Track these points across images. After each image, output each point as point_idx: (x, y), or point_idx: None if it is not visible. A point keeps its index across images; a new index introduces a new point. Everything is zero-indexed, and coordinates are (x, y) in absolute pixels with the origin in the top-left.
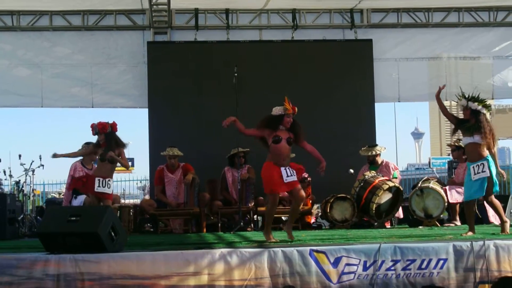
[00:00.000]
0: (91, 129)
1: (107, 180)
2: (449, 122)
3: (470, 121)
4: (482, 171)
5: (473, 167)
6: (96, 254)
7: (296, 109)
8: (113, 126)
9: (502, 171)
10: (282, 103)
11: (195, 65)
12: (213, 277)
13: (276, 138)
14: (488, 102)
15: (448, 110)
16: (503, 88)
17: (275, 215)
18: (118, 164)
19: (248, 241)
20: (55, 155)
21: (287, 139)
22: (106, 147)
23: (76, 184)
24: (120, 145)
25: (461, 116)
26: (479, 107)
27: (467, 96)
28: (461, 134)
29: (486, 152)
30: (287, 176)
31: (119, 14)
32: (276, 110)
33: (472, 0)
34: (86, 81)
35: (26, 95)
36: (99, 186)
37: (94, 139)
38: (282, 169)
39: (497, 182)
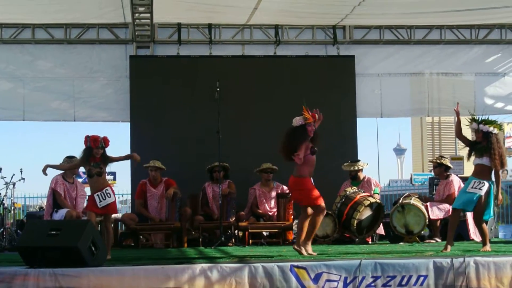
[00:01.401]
0: (92, 140)
1: (105, 190)
2: (431, 138)
3: (482, 143)
4: (479, 189)
5: (474, 181)
6: (76, 269)
7: (317, 115)
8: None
9: (501, 198)
10: (300, 113)
11: (177, 80)
12: None
13: (313, 149)
14: (499, 121)
15: (432, 126)
16: (484, 105)
17: (256, 231)
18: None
19: (229, 256)
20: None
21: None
22: (95, 163)
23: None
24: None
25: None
26: (490, 129)
27: (477, 119)
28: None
29: (491, 177)
30: None
31: (102, 27)
32: (297, 121)
33: (454, 19)
34: (68, 95)
35: (8, 108)
36: (100, 201)
37: (74, 152)
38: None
39: (492, 208)
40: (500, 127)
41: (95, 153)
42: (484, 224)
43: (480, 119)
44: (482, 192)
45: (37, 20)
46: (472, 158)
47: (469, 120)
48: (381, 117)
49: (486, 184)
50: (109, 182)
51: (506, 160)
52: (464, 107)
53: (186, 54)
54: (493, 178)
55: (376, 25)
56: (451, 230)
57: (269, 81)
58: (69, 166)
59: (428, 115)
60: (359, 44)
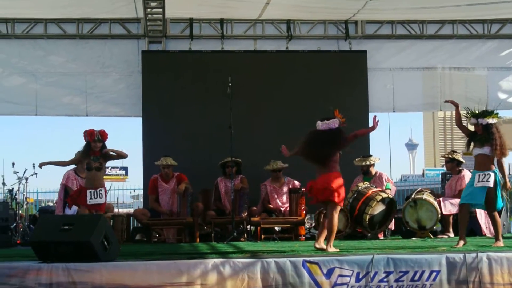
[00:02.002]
0: (88, 135)
1: (98, 190)
2: (443, 133)
3: (483, 134)
4: (487, 181)
5: (479, 175)
6: (88, 263)
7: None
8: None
9: (509, 184)
10: (333, 115)
11: (189, 75)
12: (206, 287)
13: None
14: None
15: (444, 121)
16: (497, 99)
17: (269, 226)
18: (109, 172)
19: (241, 251)
20: (41, 165)
21: None
22: (95, 156)
23: (70, 201)
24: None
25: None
26: (489, 120)
27: (476, 113)
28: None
29: (494, 166)
30: None
31: (114, 22)
32: (335, 123)
33: (466, 13)
34: (81, 90)
35: (20, 103)
36: (91, 198)
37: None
38: None
39: (502, 198)
40: (497, 116)
41: (93, 147)
42: (497, 216)
43: (477, 113)
44: (491, 184)
45: (49, 15)
46: (471, 148)
47: (467, 116)
48: (393, 111)
49: (492, 175)
50: (121, 177)
51: (507, 149)
52: (477, 101)
53: (198, 49)
54: (495, 167)
55: (388, 20)
56: (462, 227)
57: (281, 76)
58: (68, 162)
59: (440, 110)
60: (371, 39)
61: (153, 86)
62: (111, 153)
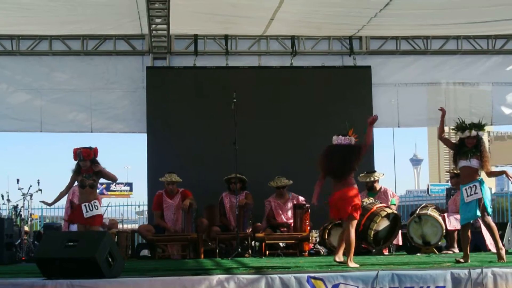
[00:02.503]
0: (73, 154)
1: (93, 202)
2: (447, 149)
3: (471, 147)
4: (475, 193)
5: (465, 189)
6: (93, 280)
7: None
8: (96, 152)
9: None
10: (345, 133)
11: (194, 91)
12: None
13: None
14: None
15: (449, 136)
16: (502, 114)
17: (273, 242)
18: (114, 188)
19: (245, 267)
20: (50, 204)
21: None
22: (87, 174)
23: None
24: (98, 164)
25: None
26: (480, 133)
27: (466, 125)
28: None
29: (478, 175)
30: None
31: (119, 39)
32: (351, 141)
33: (470, 30)
34: (85, 106)
35: (25, 119)
36: (87, 211)
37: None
38: None
39: (489, 206)
40: (484, 128)
41: (82, 165)
42: (492, 222)
43: (469, 125)
44: (480, 195)
45: (54, 32)
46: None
47: (458, 128)
48: (398, 127)
49: (478, 184)
50: (126, 193)
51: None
52: (481, 116)
53: (202, 65)
54: (479, 176)
55: (393, 36)
56: (465, 247)
57: (286, 92)
58: (66, 189)
59: (445, 125)
60: (376, 55)
61: (157, 102)
62: (103, 172)
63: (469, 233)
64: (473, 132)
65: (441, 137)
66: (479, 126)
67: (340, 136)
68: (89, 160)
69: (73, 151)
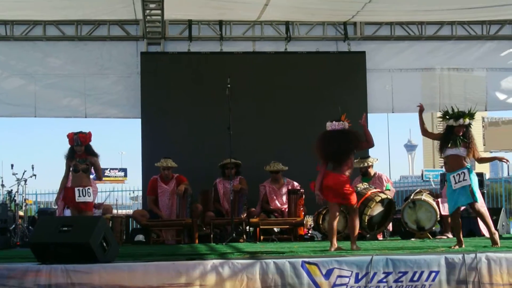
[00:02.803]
0: (68, 138)
1: (86, 189)
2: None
3: (457, 135)
4: (464, 179)
5: (453, 176)
6: (87, 265)
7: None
8: (90, 137)
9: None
10: (338, 118)
11: (188, 76)
12: None
13: None
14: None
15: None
16: (496, 100)
17: (267, 227)
18: (108, 174)
19: (240, 252)
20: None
21: None
22: (81, 159)
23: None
24: (95, 155)
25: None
26: (467, 121)
27: (455, 113)
28: None
29: (466, 163)
30: None
31: (113, 24)
32: (344, 126)
33: (465, 15)
34: (80, 92)
35: (19, 105)
36: (79, 196)
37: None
38: None
39: (477, 193)
40: (473, 116)
41: (76, 150)
42: (482, 209)
43: (457, 113)
44: (468, 181)
45: (48, 17)
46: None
47: (445, 116)
48: (392, 112)
49: (466, 171)
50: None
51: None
52: (476, 102)
53: (197, 50)
54: (467, 164)
55: (387, 21)
56: (457, 233)
57: (280, 77)
58: (65, 178)
59: (439, 111)
60: (370, 40)
61: (152, 88)
62: (96, 165)
63: (459, 219)
64: (467, 121)
65: (424, 132)
66: (472, 115)
67: (334, 122)
68: (84, 146)
69: (68, 136)
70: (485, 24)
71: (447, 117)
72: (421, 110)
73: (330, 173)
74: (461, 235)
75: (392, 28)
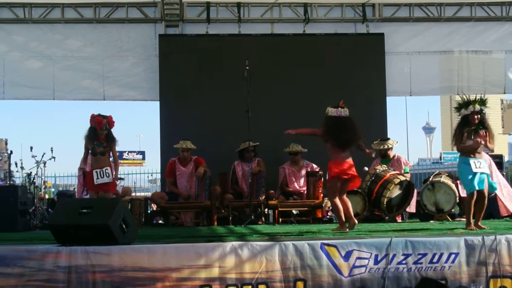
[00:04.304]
0: (97, 123)
1: (104, 169)
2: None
3: (473, 123)
4: (484, 167)
5: (474, 162)
6: (107, 246)
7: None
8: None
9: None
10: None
11: (206, 58)
12: (224, 270)
13: None
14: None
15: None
16: None
17: (286, 209)
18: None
19: (259, 234)
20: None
21: None
22: (99, 142)
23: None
24: (114, 140)
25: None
26: (483, 108)
27: (469, 101)
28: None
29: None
30: None
31: (131, 6)
32: (346, 113)
33: None
34: (98, 74)
35: (38, 87)
36: (97, 178)
37: None
38: None
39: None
40: (486, 103)
41: (99, 133)
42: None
43: (472, 101)
44: (488, 171)
45: (67, 0)
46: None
47: (465, 103)
48: (410, 95)
49: (485, 161)
50: (138, 161)
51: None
52: (494, 84)
53: (215, 32)
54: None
55: (406, 3)
56: (469, 216)
57: (298, 59)
58: (85, 157)
59: (458, 94)
60: (389, 22)
61: (170, 70)
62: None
63: (472, 203)
64: (477, 107)
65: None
66: (482, 101)
67: (339, 109)
68: (108, 129)
69: (94, 119)
70: (505, 5)
71: (458, 107)
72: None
73: (344, 162)
74: (471, 217)
75: (411, 9)
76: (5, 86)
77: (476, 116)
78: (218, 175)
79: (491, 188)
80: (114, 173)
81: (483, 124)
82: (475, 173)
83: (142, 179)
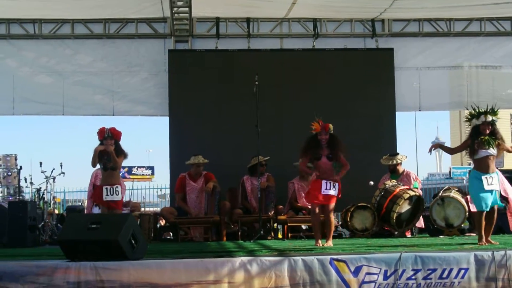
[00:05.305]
0: (99, 133)
1: (114, 187)
2: (469, 131)
3: (488, 134)
4: (495, 184)
5: (486, 178)
6: (116, 262)
7: (328, 126)
8: (120, 134)
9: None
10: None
11: (216, 73)
12: (233, 285)
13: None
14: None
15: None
16: None
17: (295, 224)
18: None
19: (268, 249)
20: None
21: (326, 155)
22: (109, 157)
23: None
24: (123, 153)
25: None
26: (494, 118)
27: (480, 112)
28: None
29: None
30: (325, 189)
31: (141, 22)
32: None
33: (494, 11)
34: (108, 89)
35: (48, 103)
36: (107, 194)
37: None
38: (323, 182)
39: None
40: (497, 113)
41: (105, 144)
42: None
43: (483, 112)
44: (498, 187)
45: (76, 16)
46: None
47: (477, 113)
48: (420, 110)
49: (496, 177)
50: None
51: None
52: (504, 99)
53: (224, 48)
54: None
55: (415, 18)
56: (481, 231)
57: (308, 74)
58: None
59: (467, 109)
60: (398, 37)
61: (179, 85)
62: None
63: (482, 220)
64: (488, 117)
65: (453, 152)
66: (493, 112)
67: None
68: (114, 141)
69: (98, 131)
70: None
71: (470, 117)
72: (436, 146)
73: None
74: (483, 232)
75: (421, 24)
76: (15, 102)
77: (487, 127)
78: (227, 191)
79: (499, 203)
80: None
81: (494, 134)
82: (486, 191)
83: (151, 194)
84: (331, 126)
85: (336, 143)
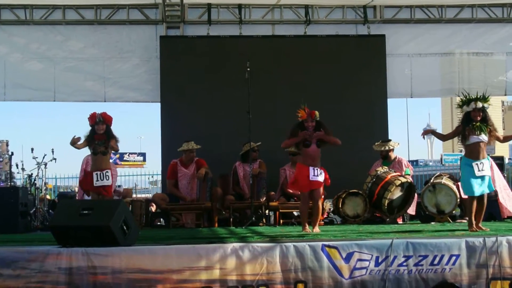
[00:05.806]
0: (90, 118)
1: (104, 172)
2: (461, 118)
3: (480, 121)
4: (486, 169)
5: (477, 164)
6: (108, 248)
7: (314, 113)
8: (111, 119)
9: None
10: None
11: (207, 60)
12: (225, 271)
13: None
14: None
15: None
16: None
17: (287, 210)
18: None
19: (260, 235)
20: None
21: (316, 143)
22: (100, 141)
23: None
24: (114, 137)
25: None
26: (485, 105)
27: (471, 98)
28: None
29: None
30: (313, 175)
31: (132, 8)
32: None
33: None
34: (99, 75)
35: (39, 89)
36: (97, 180)
37: None
38: (311, 168)
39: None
40: (488, 100)
41: (97, 129)
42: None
43: (473, 98)
44: (489, 172)
45: (67, 2)
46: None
47: (468, 100)
48: (411, 97)
49: (487, 162)
50: (139, 163)
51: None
52: (495, 86)
53: (216, 34)
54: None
55: (407, 4)
56: (471, 217)
57: (299, 61)
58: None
59: (458, 95)
60: (390, 24)
61: (171, 72)
62: (112, 146)
63: (473, 206)
64: (479, 104)
65: (445, 138)
66: (484, 98)
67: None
68: (106, 125)
69: (90, 116)
70: (506, 7)
71: (461, 104)
72: (428, 132)
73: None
74: (473, 218)
75: (412, 11)
76: (6, 88)
77: (478, 113)
78: (219, 177)
79: (490, 188)
80: (114, 178)
81: (486, 121)
82: (476, 177)
83: (143, 180)
84: (317, 113)
85: (323, 126)
